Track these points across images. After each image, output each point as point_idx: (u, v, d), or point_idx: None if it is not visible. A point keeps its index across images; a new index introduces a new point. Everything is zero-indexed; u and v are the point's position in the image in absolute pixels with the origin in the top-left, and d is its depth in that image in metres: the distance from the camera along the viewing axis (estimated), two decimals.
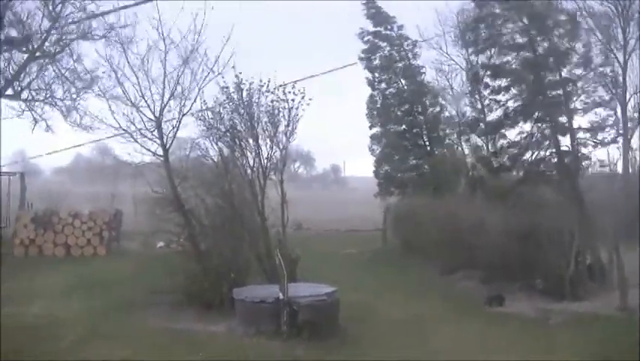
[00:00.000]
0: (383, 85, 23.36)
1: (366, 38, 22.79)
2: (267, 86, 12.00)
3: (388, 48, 22.94)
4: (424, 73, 23.09)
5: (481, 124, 19.58)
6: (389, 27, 22.75)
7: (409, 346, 8.76)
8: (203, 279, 11.11)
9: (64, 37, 18.78)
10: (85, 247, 18.81)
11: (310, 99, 12.05)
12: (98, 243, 18.91)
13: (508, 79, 18.17)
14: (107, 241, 19.13)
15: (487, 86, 19.25)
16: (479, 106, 20.10)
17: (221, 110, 12.17)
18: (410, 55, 22.84)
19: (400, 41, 22.79)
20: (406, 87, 22.83)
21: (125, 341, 8.90)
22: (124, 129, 11.82)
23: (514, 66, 17.77)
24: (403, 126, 22.87)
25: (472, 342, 8.96)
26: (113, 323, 10.11)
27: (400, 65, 22.76)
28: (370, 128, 23.43)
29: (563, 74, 17.26)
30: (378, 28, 22.75)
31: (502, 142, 18.65)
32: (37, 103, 19.99)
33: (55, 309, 10.81)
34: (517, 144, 17.95)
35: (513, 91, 18.34)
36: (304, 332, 8.99)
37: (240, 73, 11.90)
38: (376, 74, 23.21)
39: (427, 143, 22.68)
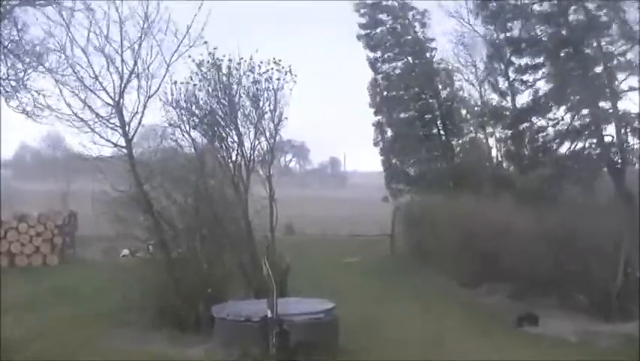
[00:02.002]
0: (387, 65, 23.33)
1: (363, 11, 22.74)
2: (250, 63, 11.93)
3: (390, 21, 22.87)
4: (435, 49, 23.02)
5: (506, 112, 19.64)
6: None
7: None
8: (176, 293, 11.02)
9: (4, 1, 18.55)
10: (33, 255, 18.72)
11: (296, 76, 12.04)
12: (49, 251, 18.83)
13: (538, 55, 18.22)
14: (59, 249, 19.05)
15: (511, 64, 19.29)
16: (503, 88, 20.14)
17: (196, 93, 12.06)
18: (418, 27, 22.79)
19: (404, 12, 22.69)
20: (414, 66, 22.80)
21: None
22: (77, 115, 11.67)
23: (543, 40, 17.78)
24: (412, 112, 22.86)
25: None
26: (70, 347, 9.94)
27: (405, 39, 22.67)
28: (375, 114, 23.45)
29: (604, 49, 17.23)
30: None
31: (532, 132, 18.72)
32: None
33: None
34: (550, 134, 17.98)
35: (543, 70, 18.38)
36: (297, 357, 8.93)
37: (215, 49, 11.81)
38: (378, 53, 23.17)
39: (443, 131, 22.68)
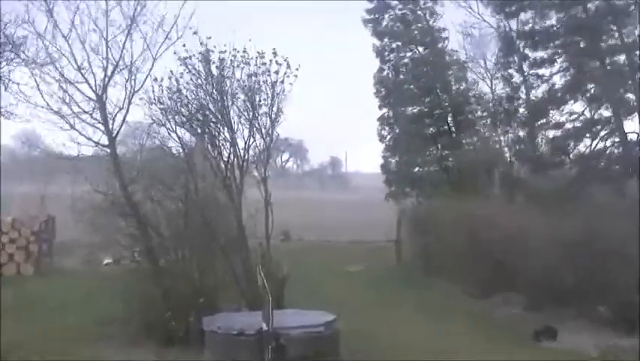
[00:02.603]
0: (394, 55, 23.35)
1: None
2: (244, 54, 11.92)
3: (400, 6, 22.92)
4: (447, 39, 23.07)
5: (520, 108, 19.64)
6: None
7: None
8: (164, 304, 11.03)
9: None
10: (6, 264, 18.63)
11: (297, 69, 12.01)
12: (24, 259, 18.76)
13: (553, 48, 18.24)
14: (35, 257, 18.98)
15: (525, 57, 19.31)
16: (516, 83, 20.18)
17: (182, 88, 12.03)
18: (428, 15, 22.83)
19: None
20: (424, 57, 22.81)
21: None
22: (55, 111, 11.68)
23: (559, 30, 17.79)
24: (421, 107, 22.86)
25: None
26: None
27: (416, 27, 22.71)
28: (380, 108, 23.45)
29: (625, 39, 17.23)
30: None
31: (547, 129, 18.77)
32: None
33: None
34: (567, 131, 17.98)
35: (559, 63, 18.41)
36: None
37: (210, 38, 11.81)
38: (385, 41, 23.19)
39: (453, 129, 22.70)
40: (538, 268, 12.78)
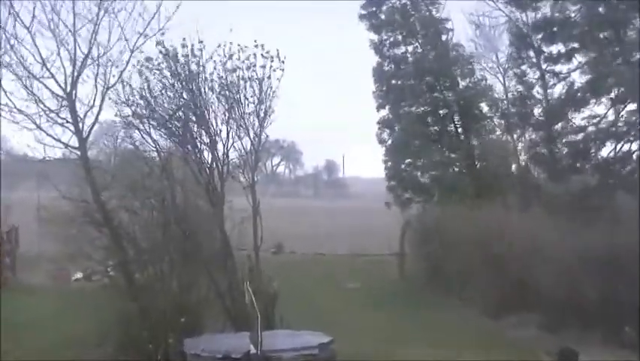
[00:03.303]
0: (394, 49, 23.36)
1: None
2: (227, 48, 11.93)
3: None
4: (452, 30, 23.02)
5: (535, 108, 19.58)
6: None
7: None
8: (141, 324, 11.00)
9: None
10: None
11: (283, 62, 12.08)
12: None
13: (571, 41, 18.23)
14: None
15: (541, 52, 19.30)
16: (531, 80, 20.11)
17: (159, 85, 11.98)
18: (430, 4, 22.79)
19: None
20: (426, 50, 22.79)
21: None
22: (19, 110, 11.59)
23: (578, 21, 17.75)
24: (425, 106, 22.85)
25: None
26: None
27: (416, 17, 22.64)
28: (378, 110, 23.43)
29: None
30: None
31: (566, 133, 18.69)
32: None
33: None
34: (588, 133, 17.94)
35: (578, 58, 18.38)
36: None
37: (199, 32, 11.75)
38: (384, 34, 23.19)
39: (460, 129, 22.67)
40: (559, 285, 12.75)
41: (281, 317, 11.66)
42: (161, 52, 11.77)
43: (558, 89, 19.37)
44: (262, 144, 12.97)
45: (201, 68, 12.00)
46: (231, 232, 12.26)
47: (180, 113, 12.19)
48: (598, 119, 18.22)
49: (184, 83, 12.00)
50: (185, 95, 12.08)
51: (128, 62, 11.77)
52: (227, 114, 12.24)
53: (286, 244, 24.19)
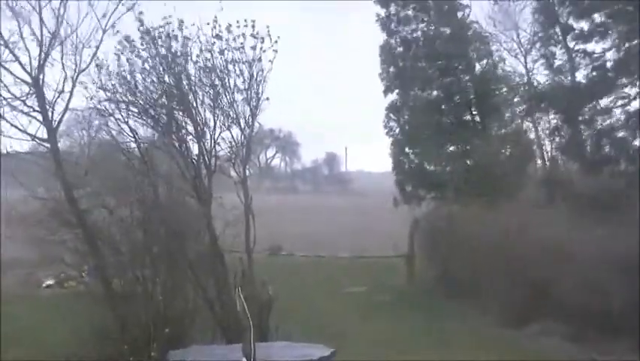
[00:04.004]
0: (404, 27, 23.29)
1: None
2: (215, 27, 11.85)
3: None
4: (469, 7, 22.95)
5: (561, 92, 19.55)
6: None
7: None
8: (120, 336, 10.99)
9: None
10: None
11: (276, 42, 11.98)
12: None
13: (604, 16, 18.18)
14: None
15: (569, 29, 19.25)
16: (558, 61, 20.11)
17: (139, 67, 11.91)
18: None
19: None
20: (441, 30, 22.74)
21: None
22: None
23: None
24: (438, 91, 22.83)
25: None
26: None
27: None
28: (385, 94, 23.38)
29: None
30: None
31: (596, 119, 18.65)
32: None
33: None
34: (621, 121, 17.91)
35: (612, 35, 18.33)
36: None
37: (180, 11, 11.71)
38: (392, 10, 23.12)
39: (477, 117, 22.64)
40: (584, 291, 12.70)
41: (277, 327, 11.63)
42: (139, 29, 11.69)
43: (586, 71, 19.35)
44: (254, 133, 12.89)
45: (187, 49, 11.93)
46: (221, 232, 12.19)
47: (163, 100, 12.11)
48: (627, 100, 18.21)
49: (165, 65, 11.92)
50: (167, 79, 11.99)
51: (100, 42, 11.69)
52: (214, 101, 12.14)
53: (283, 245, 24.27)
